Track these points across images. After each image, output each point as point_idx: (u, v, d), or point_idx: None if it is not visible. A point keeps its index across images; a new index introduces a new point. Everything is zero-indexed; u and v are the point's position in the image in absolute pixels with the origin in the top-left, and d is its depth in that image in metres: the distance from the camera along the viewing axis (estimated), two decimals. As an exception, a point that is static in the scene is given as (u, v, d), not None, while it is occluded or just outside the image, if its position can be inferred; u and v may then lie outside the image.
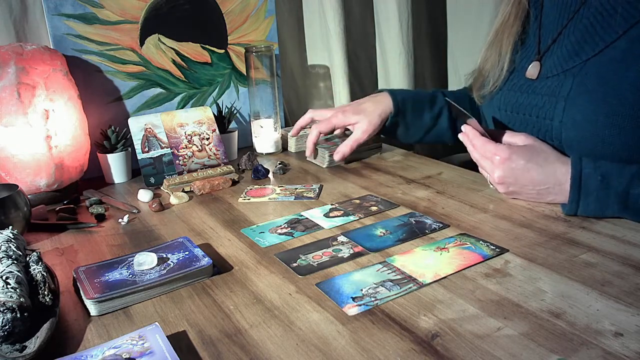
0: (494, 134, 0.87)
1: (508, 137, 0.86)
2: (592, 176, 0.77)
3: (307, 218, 0.86)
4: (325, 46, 1.49)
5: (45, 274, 0.63)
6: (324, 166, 1.13)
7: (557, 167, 0.80)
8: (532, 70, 0.90)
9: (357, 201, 0.92)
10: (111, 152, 1.10)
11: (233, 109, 1.27)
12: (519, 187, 0.83)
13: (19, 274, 0.60)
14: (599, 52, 0.81)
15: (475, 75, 1.03)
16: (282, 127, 1.34)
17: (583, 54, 0.83)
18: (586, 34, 0.83)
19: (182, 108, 1.25)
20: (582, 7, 0.85)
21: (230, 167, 1.10)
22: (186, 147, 1.13)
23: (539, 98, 0.87)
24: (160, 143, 1.11)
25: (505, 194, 0.87)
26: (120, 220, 0.91)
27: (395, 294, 0.62)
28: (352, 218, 0.85)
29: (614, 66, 0.79)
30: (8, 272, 0.60)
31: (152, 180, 1.08)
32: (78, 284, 0.67)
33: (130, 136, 1.11)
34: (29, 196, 0.92)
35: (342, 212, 0.88)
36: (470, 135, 0.88)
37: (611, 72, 0.79)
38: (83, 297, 0.64)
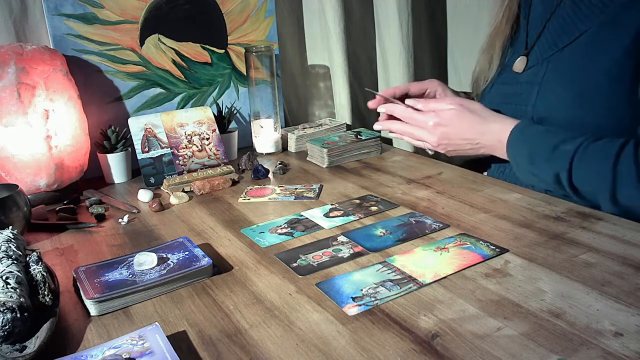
0: (421, 102, 0.96)
1: (435, 102, 0.94)
2: (534, 126, 0.86)
3: (307, 218, 0.86)
4: (325, 46, 1.49)
5: (45, 274, 0.63)
6: (324, 166, 1.13)
7: (486, 124, 0.89)
8: (519, 64, 0.95)
9: (357, 201, 0.92)
10: (111, 152, 1.10)
11: (233, 109, 1.27)
12: (454, 146, 0.92)
13: (19, 274, 0.60)
14: (574, 40, 0.86)
15: (473, 80, 1.09)
16: (282, 127, 1.34)
17: (560, 42, 0.88)
18: (564, 24, 0.88)
19: (182, 108, 1.25)
20: (563, 0, 0.90)
21: (230, 167, 1.10)
22: (186, 147, 1.13)
23: (520, 86, 0.93)
24: (160, 143, 1.11)
25: (445, 153, 0.96)
26: (120, 220, 0.91)
27: (395, 294, 0.62)
28: (352, 218, 0.85)
29: (584, 51, 0.84)
30: (8, 272, 0.60)
31: (152, 180, 1.08)
32: (78, 284, 0.67)
33: (130, 136, 1.11)
34: (29, 196, 0.92)
35: (342, 212, 0.88)
36: (396, 112, 0.96)
37: (582, 57, 0.84)
38: (83, 297, 0.64)
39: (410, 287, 0.63)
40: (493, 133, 0.89)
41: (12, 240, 0.67)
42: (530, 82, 0.91)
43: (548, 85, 0.88)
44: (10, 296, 0.56)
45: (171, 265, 0.70)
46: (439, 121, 0.92)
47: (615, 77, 0.81)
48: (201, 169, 1.11)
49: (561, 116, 0.86)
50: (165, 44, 1.20)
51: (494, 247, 0.72)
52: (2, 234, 0.69)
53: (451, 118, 0.91)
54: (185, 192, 1.02)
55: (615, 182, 0.76)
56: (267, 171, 1.10)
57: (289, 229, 0.83)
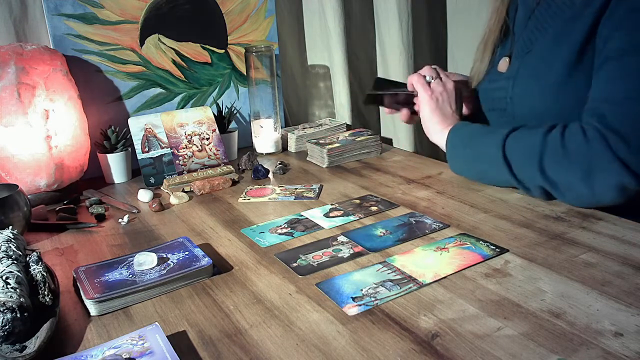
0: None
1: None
2: (476, 124, 0.95)
3: (307, 218, 0.86)
4: (325, 46, 1.49)
5: (45, 274, 0.63)
6: (324, 166, 1.13)
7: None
8: (502, 64, 1.00)
9: (357, 201, 0.92)
10: (111, 152, 1.10)
11: (233, 109, 1.27)
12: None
13: (19, 274, 0.60)
14: (545, 36, 0.91)
15: (470, 77, 1.11)
16: (282, 127, 1.34)
17: (535, 40, 0.93)
18: (538, 24, 0.93)
19: (182, 108, 1.25)
20: (541, 1, 0.94)
21: (230, 167, 1.10)
22: (186, 147, 1.13)
23: (502, 82, 0.98)
24: (160, 143, 1.11)
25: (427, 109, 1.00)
26: (120, 220, 0.91)
27: (395, 294, 0.62)
28: (352, 218, 0.85)
29: (550, 44, 0.89)
30: (8, 272, 0.60)
31: (152, 180, 1.08)
32: (78, 284, 0.67)
33: (130, 136, 1.11)
34: (29, 196, 0.92)
35: (342, 212, 0.88)
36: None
37: (548, 51, 0.90)
38: (83, 297, 0.64)
39: (410, 287, 0.63)
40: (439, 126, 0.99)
41: (12, 240, 0.67)
42: (507, 77, 0.97)
43: (521, 79, 0.93)
44: (10, 296, 0.56)
45: (171, 265, 0.70)
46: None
47: (575, 67, 0.85)
48: (201, 169, 1.11)
49: (532, 106, 0.91)
50: (165, 44, 1.20)
51: (494, 247, 0.72)
52: (2, 234, 0.69)
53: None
54: (185, 192, 1.02)
55: (543, 149, 0.80)
56: (267, 171, 1.10)
57: (289, 229, 0.83)
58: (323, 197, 0.96)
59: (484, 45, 1.06)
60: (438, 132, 0.99)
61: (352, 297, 0.62)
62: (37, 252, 0.67)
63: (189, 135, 1.14)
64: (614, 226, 0.75)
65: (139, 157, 1.09)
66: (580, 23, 0.84)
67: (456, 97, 1.01)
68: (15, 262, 0.63)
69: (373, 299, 0.61)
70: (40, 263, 0.65)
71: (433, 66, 1.04)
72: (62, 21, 1.08)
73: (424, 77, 1.02)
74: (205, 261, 0.69)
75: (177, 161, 1.11)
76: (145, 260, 0.70)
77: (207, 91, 1.28)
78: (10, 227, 0.72)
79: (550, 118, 0.86)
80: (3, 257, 0.63)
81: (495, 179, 0.91)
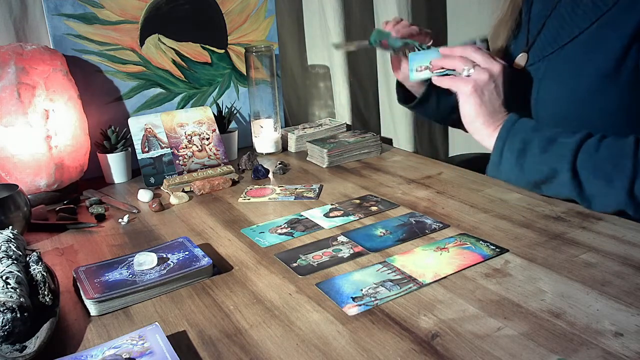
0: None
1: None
2: (526, 120, 0.84)
3: (307, 218, 0.86)
4: (325, 46, 1.49)
5: (45, 274, 0.63)
6: (324, 166, 1.13)
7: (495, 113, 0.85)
8: (520, 60, 0.96)
9: (357, 201, 0.92)
10: (111, 152, 1.10)
11: (233, 109, 1.27)
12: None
13: (19, 274, 0.60)
14: (574, 38, 0.87)
15: None
16: (282, 127, 1.34)
17: (560, 40, 0.89)
18: (563, 22, 0.89)
19: (182, 108, 1.25)
20: None
21: (230, 167, 1.10)
22: (186, 147, 1.13)
23: (523, 82, 0.93)
24: (160, 143, 1.11)
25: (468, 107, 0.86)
26: (120, 220, 0.91)
27: (395, 294, 0.62)
28: (352, 218, 0.85)
29: (582, 49, 0.85)
30: (8, 272, 0.60)
31: (152, 180, 1.08)
32: (78, 284, 0.67)
33: (130, 136, 1.11)
34: (29, 196, 0.92)
35: (342, 212, 0.88)
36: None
37: (578, 55, 0.85)
38: (83, 297, 0.64)
39: (410, 287, 0.63)
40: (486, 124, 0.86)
41: (12, 240, 0.67)
42: (531, 78, 0.93)
43: (546, 82, 0.89)
44: (10, 296, 0.56)
45: (171, 265, 0.70)
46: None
47: (609, 76, 0.81)
48: (201, 169, 1.11)
49: (557, 112, 0.87)
50: (165, 44, 1.20)
51: (494, 247, 0.72)
52: (2, 234, 0.69)
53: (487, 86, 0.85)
54: (185, 192, 1.02)
55: (636, 170, 0.72)
56: (267, 171, 1.10)
57: (289, 229, 0.83)
58: (323, 197, 0.96)
59: (495, 34, 1.01)
60: (485, 137, 0.86)
61: (352, 297, 0.62)
62: (37, 252, 0.67)
63: (189, 135, 1.14)
64: (614, 226, 0.75)
65: (139, 157, 1.09)
66: (618, 31, 0.80)
67: (504, 82, 0.85)
68: (15, 262, 0.63)
69: (373, 299, 0.61)
70: (40, 263, 0.65)
71: (468, 46, 0.87)
72: (62, 21, 1.08)
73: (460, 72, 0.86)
74: (205, 261, 0.69)
75: (177, 161, 1.11)
76: (145, 260, 0.70)
77: (207, 91, 1.28)
78: (10, 227, 0.72)
79: (576, 125, 0.82)
80: (3, 257, 0.63)
81: (553, 191, 0.82)
